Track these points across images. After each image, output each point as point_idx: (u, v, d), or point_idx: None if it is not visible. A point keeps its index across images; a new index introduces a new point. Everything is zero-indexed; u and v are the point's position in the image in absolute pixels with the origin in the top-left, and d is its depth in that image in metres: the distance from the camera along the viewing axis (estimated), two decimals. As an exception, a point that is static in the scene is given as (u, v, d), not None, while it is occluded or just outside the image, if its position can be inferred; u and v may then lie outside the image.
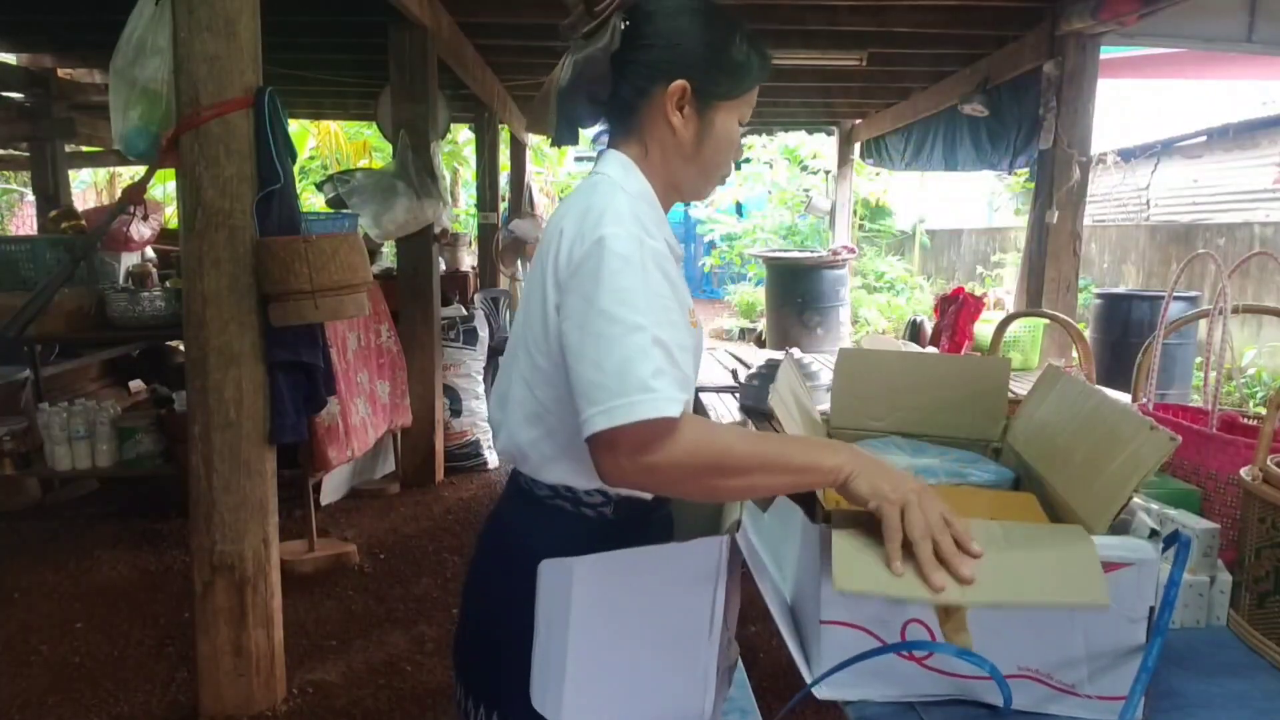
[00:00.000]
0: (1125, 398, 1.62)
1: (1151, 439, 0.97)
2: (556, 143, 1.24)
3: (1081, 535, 0.94)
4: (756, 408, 2.78)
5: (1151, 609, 0.93)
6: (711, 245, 13.47)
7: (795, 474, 1.00)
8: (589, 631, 0.99)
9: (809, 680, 0.97)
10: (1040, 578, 0.89)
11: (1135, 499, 1.03)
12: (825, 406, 1.55)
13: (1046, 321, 4.79)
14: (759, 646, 2.87)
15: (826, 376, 2.61)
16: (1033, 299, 4.53)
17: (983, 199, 13.17)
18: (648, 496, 1.17)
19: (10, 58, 5.71)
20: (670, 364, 0.97)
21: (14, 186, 11.16)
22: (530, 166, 9.16)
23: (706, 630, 1.04)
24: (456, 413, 5.05)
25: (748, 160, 12.11)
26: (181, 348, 3.61)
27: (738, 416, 2.76)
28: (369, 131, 10.75)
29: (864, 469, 0.97)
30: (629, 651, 1.02)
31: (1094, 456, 1.09)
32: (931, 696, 0.97)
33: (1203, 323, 1.77)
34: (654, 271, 1.01)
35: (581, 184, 1.16)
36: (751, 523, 1.06)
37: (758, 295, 10.84)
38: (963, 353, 5.22)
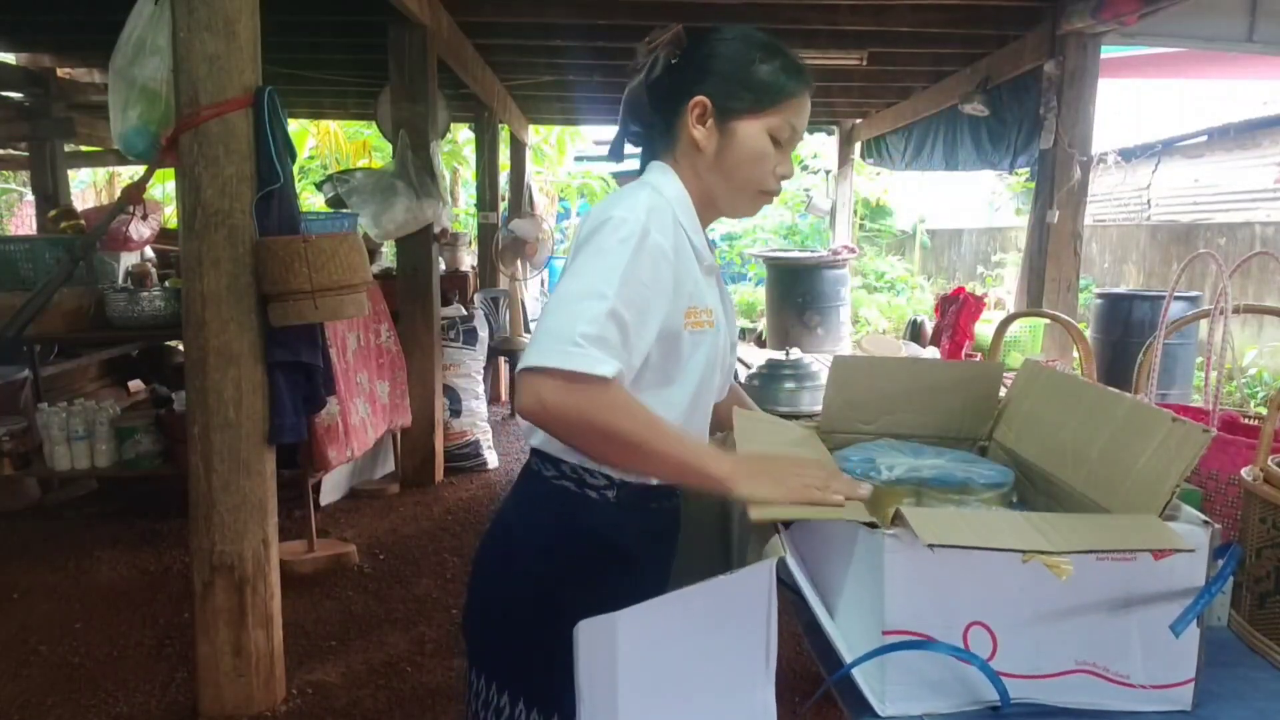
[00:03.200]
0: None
1: (1178, 432, 1.00)
2: (609, 158, 1.38)
3: (1147, 515, 0.98)
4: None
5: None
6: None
7: (678, 469, 1.10)
8: (638, 688, 0.94)
9: (876, 705, 0.96)
10: (1120, 534, 0.95)
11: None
12: (819, 408, 1.56)
13: (1047, 321, 4.78)
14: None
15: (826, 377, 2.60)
16: (1033, 299, 4.53)
17: (983, 199, 13.16)
18: (652, 482, 1.21)
19: (10, 58, 5.71)
20: (620, 337, 1.05)
21: (14, 186, 11.16)
22: (530, 166, 9.15)
23: (763, 663, 1.01)
24: (456, 413, 5.04)
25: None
26: (181, 348, 3.61)
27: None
28: (369, 131, 10.74)
29: (746, 482, 1.07)
30: (682, 701, 0.98)
31: (1114, 452, 1.10)
32: (991, 703, 0.97)
33: (1203, 323, 1.77)
34: (644, 260, 1.09)
35: (627, 187, 1.23)
36: (790, 549, 1.04)
37: (758, 295, 10.83)
38: (963, 353, 5.21)
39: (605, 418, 1.04)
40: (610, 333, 1.04)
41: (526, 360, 1.04)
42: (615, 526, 1.19)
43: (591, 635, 0.92)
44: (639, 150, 1.33)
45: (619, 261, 1.07)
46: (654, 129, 1.27)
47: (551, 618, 1.13)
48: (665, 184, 1.22)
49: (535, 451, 1.24)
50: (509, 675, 1.21)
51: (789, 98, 1.20)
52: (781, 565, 1.00)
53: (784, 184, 1.27)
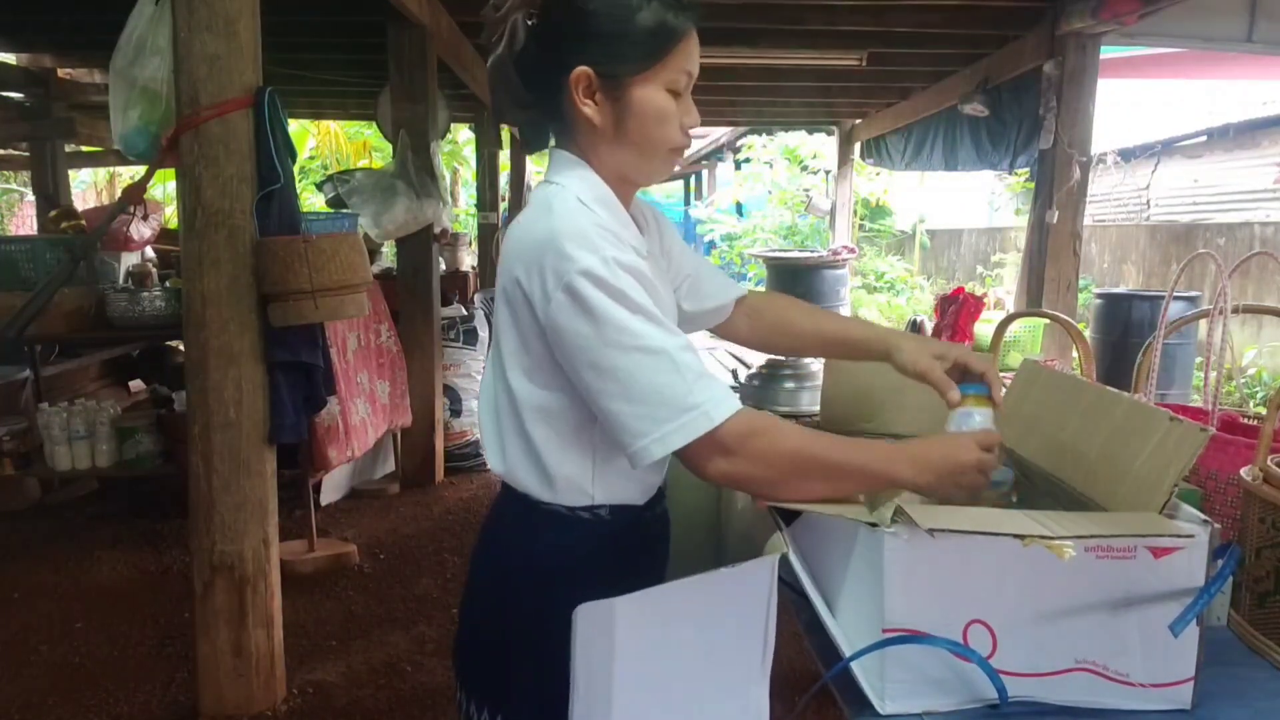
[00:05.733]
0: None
1: (1177, 431, 1.00)
2: (526, 151, 1.24)
3: (1145, 513, 1.00)
4: (756, 408, 2.77)
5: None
6: (711, 245, 13.46)
7: (868, 480, 1.06)
8: (635, 677, 0.94)
9: (876, 703, 0.96)
10: (1120, 526, 0.96)
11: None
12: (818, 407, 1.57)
13: (1046, 321, 4.79)
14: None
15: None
16: (1033, 299, 4.53)
17: (983, 199, 13.17)
18: (639, 500, 1.17)
19: (10, 58, 5.71)
20: (699, 368, 0.99)
21: (14, 186, 11.16)
22: (530, 166, 9.16)
23: (759, 661, 1.00)
24: (456, 413, 5.05)
25: (748, 160, 12.12)
26: (181, 348, 3.61)
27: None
28: (369, 131, 10.76)
29: (929, 484, 1.05)
30: (678, 694, 0.97)
31: (1113, 452, 1.10)
32: (991, 701, 0.97)
33: (1203, 323, 1.77)
34: (633, 287, 0.99)
35: (537, 194, 1.12)
36: (792, 546, 1.04)
37: (758, 295, 10.81)
38: (963, 353, 5.20)
39: (789, 450, 1.01)
40: (693, 372, 0.98)
41: (648, 454, 0.98)
42: (611, 543, 1.14)
43: (589, 623, 0.92)
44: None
45: (623, 310, 0.98)
46: (538, 109, 1.12)
47: (550, 642, 1.05)
48: (583, 185, 1.08)
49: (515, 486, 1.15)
50: (508, 702, 1.16)
51: (679, 40, 1.05)
52: (783, 563, 1.00)
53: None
